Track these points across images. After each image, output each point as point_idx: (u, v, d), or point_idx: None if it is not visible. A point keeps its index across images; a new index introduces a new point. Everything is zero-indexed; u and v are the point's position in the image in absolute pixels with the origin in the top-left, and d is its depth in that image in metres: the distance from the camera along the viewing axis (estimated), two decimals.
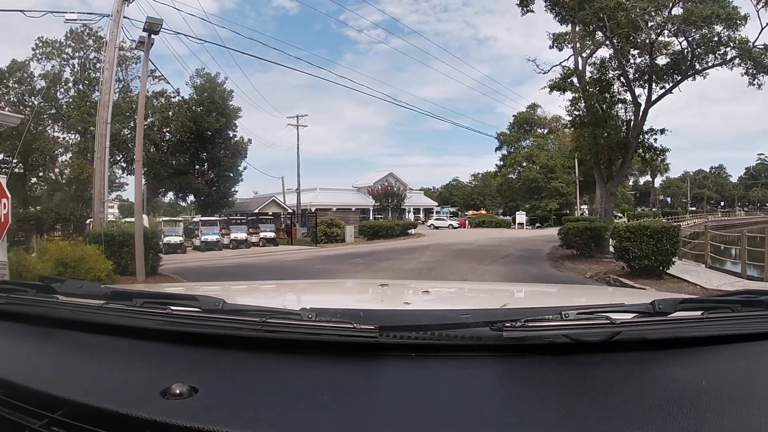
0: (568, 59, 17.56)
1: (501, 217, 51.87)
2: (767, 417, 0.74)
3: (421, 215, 56.14)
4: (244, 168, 31.13)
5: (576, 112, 16.60)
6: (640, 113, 15.54)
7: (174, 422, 0.69)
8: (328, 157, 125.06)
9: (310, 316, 0.92)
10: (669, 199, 57.98)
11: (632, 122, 15.81)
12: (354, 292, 2.24)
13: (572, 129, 19.10)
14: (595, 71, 16.08)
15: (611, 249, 15.80)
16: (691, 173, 72.60)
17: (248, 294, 2.00)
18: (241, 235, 24.54)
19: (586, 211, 47.37)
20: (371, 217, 40.28)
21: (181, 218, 25.84)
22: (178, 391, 0.76)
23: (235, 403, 0.77)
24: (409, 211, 52.89)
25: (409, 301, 1.58)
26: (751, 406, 0.78)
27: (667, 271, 10.77)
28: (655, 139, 16.25)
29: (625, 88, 15.69)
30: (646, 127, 16.22)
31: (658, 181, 58.61)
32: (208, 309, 0.99)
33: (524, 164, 45.95)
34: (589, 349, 0.92)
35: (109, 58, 14.10)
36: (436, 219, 49.23)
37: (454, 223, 46.84)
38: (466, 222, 48.13)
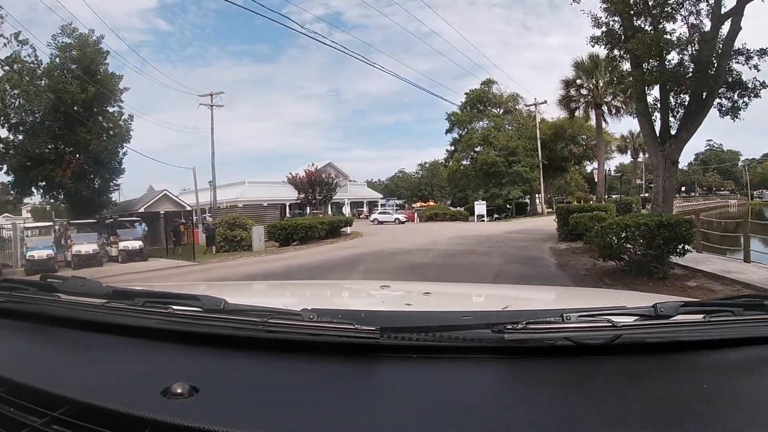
0: None
1: (452, 208, 45.19)
2: None
3: (365, 209, 49.36)
4: (125, 153, 24.45)
5: (614, 18, 9.34)
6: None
7: (175, 422, 0.70)
8: (270, 153, 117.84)
9: (311, 316, 0.92)
10: (643, 183, 53.71)
11: (724, 29, 8.68)
12: (355, 293, 2.18)
13: (607, 52, 11.54)
14: None
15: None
16: (641, 159, 70.02)
17: (250, 294, 2.00)
18: (88, 248, 16.89)
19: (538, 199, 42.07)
20: (307, 212, 32.16)
21: None
22: (179, 391, 0.76)
23: (235, 403, 0.77)
24: (344, 204, 45.43)
25: (410, 303, 1.57)
26: (753, 411, 0.77)
27: None
28: (758, 68, 9.01)
29: None
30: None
31: (613, 163, 54.36)
32: (210, 309, 0.99)
33: (478, 148, 39.24)
34: (591, 352, 0.91)
35: None
36: (380, 213, 41.92)
37: (401, 217, 39.87)
38: (415, 215, 41.15)
